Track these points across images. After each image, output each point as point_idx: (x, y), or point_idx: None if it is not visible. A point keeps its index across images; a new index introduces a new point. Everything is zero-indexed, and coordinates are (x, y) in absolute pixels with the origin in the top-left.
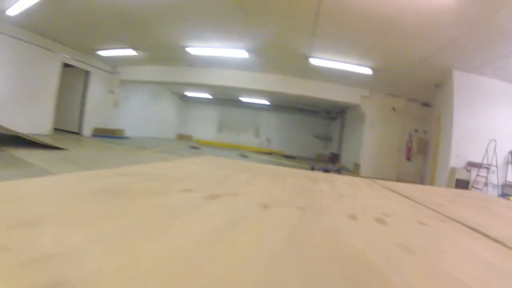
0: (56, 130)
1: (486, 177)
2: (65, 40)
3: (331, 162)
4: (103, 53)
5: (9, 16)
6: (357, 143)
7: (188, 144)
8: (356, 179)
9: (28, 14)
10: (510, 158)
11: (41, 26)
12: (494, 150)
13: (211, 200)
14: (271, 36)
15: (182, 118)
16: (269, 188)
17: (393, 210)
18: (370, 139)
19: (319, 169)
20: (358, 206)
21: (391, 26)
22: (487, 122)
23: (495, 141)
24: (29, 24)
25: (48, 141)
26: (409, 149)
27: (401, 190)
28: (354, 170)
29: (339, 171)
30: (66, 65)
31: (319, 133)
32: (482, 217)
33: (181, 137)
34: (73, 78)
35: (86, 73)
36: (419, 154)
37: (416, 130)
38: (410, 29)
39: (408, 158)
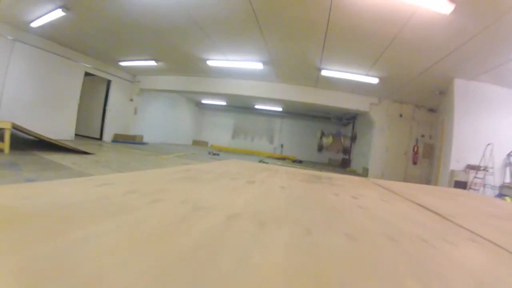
0: (78, 136)
1: (483, 179)
2: (87, 50)
3: (342, 167)
4: (124, 63)
5: (33, 28)
6: (366, 148)
7: (207, 150)
8: (351, 177)
9: (52, 26)
10: (508, 161)
11: (64, 37)
12: (491, 153)
13: (250, 184)
14: (284, 50)
15: (198, 125)
16: (284, 179)
17: (366, 193)
18: (379, 144)
19: (328, 135)
20: (343, 191)
21: (394, 41)
22: (485, 126)
23: (493, 145)
24: (52, 35)
25: (74, 146)
26: (415, 154)
27: (387, 185)
28: (363, 174)
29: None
30: (87, 74)
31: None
32: (440, 202)
33: (197, 143)
34: (94, 86)
35: (107, 82)
36: (425, 158)
37: (423, 135)
38: (411, 43)
39: (415, 162)
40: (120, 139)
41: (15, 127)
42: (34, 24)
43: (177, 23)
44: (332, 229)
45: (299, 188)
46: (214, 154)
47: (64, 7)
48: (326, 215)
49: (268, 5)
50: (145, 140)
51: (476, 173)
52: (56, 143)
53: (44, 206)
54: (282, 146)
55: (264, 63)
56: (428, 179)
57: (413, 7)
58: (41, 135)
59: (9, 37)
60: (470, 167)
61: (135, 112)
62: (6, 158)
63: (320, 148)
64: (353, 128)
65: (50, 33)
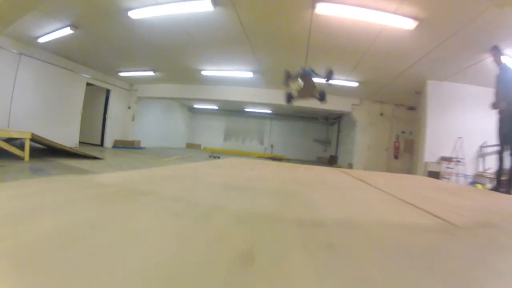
0: (81, 143)
1: (454, 169)
2: (89, 62)
3: (329, 164)
4: (123, 74)
5: (40, 43)
6: (350, 145)
7: (202, 153)
8: (322, 166)
9: (58, 41)
10: (480, 152)
11: (68, 51)
12: (461, 146)
13: (253, 170)
14: (271, 60)
15: (191, 128)
16: (273, 167)
17: (326, 173)
18: (361, 142)
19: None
20: (310, 172)
21: (368, 51)
22: (456, 121)
23: (463, 138)
24: (57, 49)
25: (85, 152)
26: (396, 149)
27: (348, 171)
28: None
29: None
30: (88, 84)
31: (318, 138)
32: (381, 180)
33: (190, 146)
34: (95, 95)
35: (107, 91)
36: (405, 153)
37: (403, 132)
38: (384, 52)
39: (396, 157)
40: (120, 145)
41: (33, 136)
42: (42, 40)
43: (176, 39)
44: (294, 182)
45: (283, 170)
46: (215, 157)
47: (73, 26)
48: (292, 178)
49: (256, 24)
50: (142, 144)
51: (448, 164)
52: (72, 150)
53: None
54: (272, 146)
55: (254, 72)
56: (409, 172)
57: (380, 25)
58: (58, 144)
59: (17, 52)
60: (443, 159)
61: (133, 118)
62: (30, 165)
63: (289, 98)
64: (338, 127)
65: (55, 48)
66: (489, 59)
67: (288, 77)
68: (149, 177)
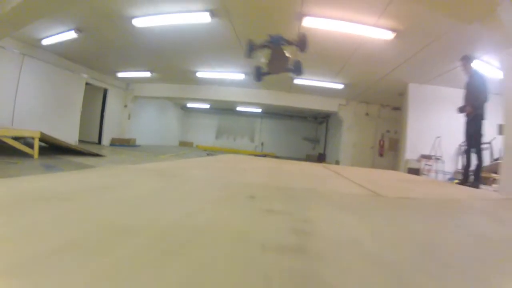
0: (80, 141)
1: (433, 166)
2: (89, 63)
3: (318, 162)
4: (121, 74)
5: (43, 45)
6: (338, 143)
7: (195, 150)
8: (306, 162)
9: (61, 43)
10: (460, 150)
11: (70, 52)
12: (439, 144)
13: (249, 162)
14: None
15: (184, 126)
16: (265, 161)
17: (309, 167)
18: (347, 140)
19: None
20: (295, 165)
21: (352, 56)
22: (436, 121)
23: (441, 137)
24: (59, 51)
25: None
26: (381, 147)
27: (329, 166)
28: None
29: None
30: (87, 83)
31: (307, 136)
32: (355, 173)
33: (183, 143)
34: (93, 94)
35: (104, 90)
36: (390, 151)
37: (388, 131)
38: (366, 58)
39: (381, 155)
40: (117, 143)
41: (42, 136)
42: (45, 42)
43: (174, 43)
44: (280, 170)
45: (272, 163)
46: (208, 155)
47: (77, 29)
48: (279, 168)
49: (249, 33)
50: (137, 142)
51: (428, 161)
52: (78, 148)
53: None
54: (262, 144)
55: (246, 74)
56: (393, 169)
57: (360, 37)
58: (64, 142)
59: (21, 52)
60: (423, 157)
61: (129, 117)
62: (40, 162)
63: (258, 73)
64: (327, 126)
65: (58, 49)
66: (459, 67)
67: (251, 48)
68: (171, 166)
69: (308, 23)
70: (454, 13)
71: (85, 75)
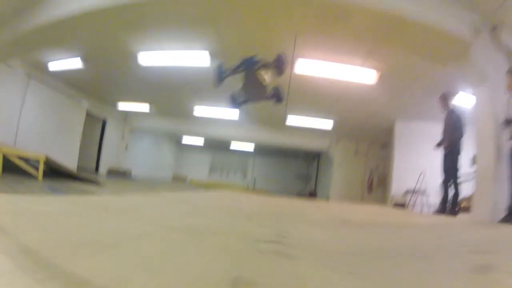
0: (77, 167)
1: (416, 200)
2: (91, 92)
3: (309, 198)
4: (121, 105)
5: (49, 69)
6: (328, 180)
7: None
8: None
9: (66, 70)
10: None
11: (73, 80)
12: (424, 179)
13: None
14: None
15: (178, 160)
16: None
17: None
18: (337, 177)
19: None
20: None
21: (342, 96)
22: (421, 157)
23: (425, 172)
24: (63, 77)
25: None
26: (370, 183)
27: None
28: None
29: None
30: (87, 112)
31: (299, 173)
32: (332, 207)
33: (177, 177)
34: (92, 123)
35: (103, 120)
36: (379, 187)
37: (377, 167)
38: (353, 100)
39: (370, 191)
40: (114, 173)
41: (47, 159)
42: (52, 67)
43: (175, 81)
44: (266, 207)
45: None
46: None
47: (83, 58)
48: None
49: None
50: (133, 173)
51: (412, 195)
52: (81, 176)
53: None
54: (255, 180)
55: (241, 111)
56: (382, 204)
57: (346, 82)
58: (68, 168)
59: (26, 74)
60: (408, 191)
61: (126, 148)
62: (45, 184)
63: (234, 102)
64: (318, 164)
65: (62, 75)
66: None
67: (221, 73)
68: (180, 198)
69: (301, 66)
70: (430, 57)
71: (86, 104)
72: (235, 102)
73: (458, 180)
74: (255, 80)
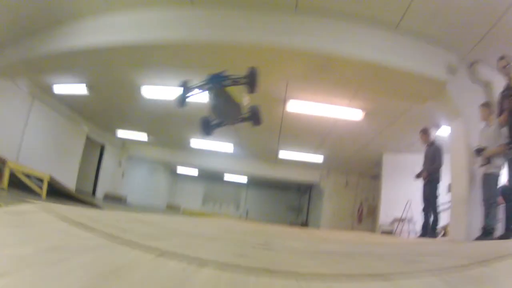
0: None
1: (403, 227)
2: (92, 118)
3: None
4: (120, 133)
5: (53, 91)
6: (319, 211)
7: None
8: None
9: (69, 94)
10: None
11: (76, 104)
12: (410, 207)
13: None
14: (251, 139)
15: (172, 190)
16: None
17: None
18: (328, 208)
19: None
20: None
21: (330, 132)
22: (408, 187)
23: (411, 201)
24: (66, 101)
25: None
26: (360, 214)
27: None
28: None
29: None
30: (87, 137)
31: (291, 205)
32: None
33: (171, 206)
34: (91, 148)
35: (102, 146)
36: (369, 217)
37: (367, 198)
38: (343, 133)
39: (360, 221)
40: (110, 198)
41: (51, 179)
42: (56, 90)
43: (174, 113)
44: (258, 228)
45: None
46: None
47: (88, 85)
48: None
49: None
50: (128, 199)
51: (399, 223)
52: (82, 198)
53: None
54: (247, 211)
55: (235, 144)
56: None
57: (334, 119)
58: (70, 190)
59: (31, 94)
60: (395, 220)
61: (123, 175)
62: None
63: (207, 126)
64: (309, 196)
65: (65, 99)
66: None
67: (186, 92)
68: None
69: (291, 107)
70: (409, 98)
71: (86, 128)
72: (207, 126)
73: (437, 207)
74: (226, 98)
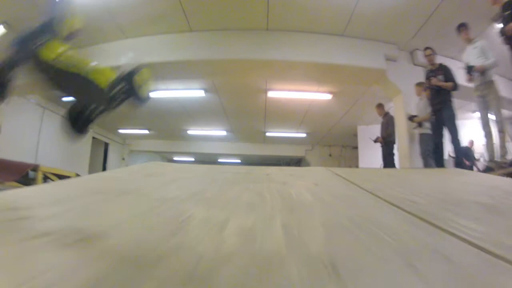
0: None
1: None
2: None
3: None
4: (121, 131)
5: (62, 100)
6: None
7: None
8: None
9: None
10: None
11: None
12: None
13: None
14: (240, 123)
15: None
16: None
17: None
18: None
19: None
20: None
21: (308, 110)
22: (378, 153)
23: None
24: None
25: None
26: None
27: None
28: None
29: None
30: (93, 137)
31: None
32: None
33: None
34: (96, 147)
35: (105, 144)
36: None
37: (350, 166)
38: (319, 112)
39: None
40: None
41: (76, 176)
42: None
43: (172, 109)
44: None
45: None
46: None
47: None
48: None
49: (231, 103)
50: None
51: None
52: None
53: None
54: None
55: (227, 131)
56: None
57: (310, 99)
58: None
59: (41, 106)
60: None
61: None
62: None
63: (74, 121)
64: None
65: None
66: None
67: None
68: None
69: (271, 94)
70: (358, 83)
71: (91, 130)
72: (75, 123)
73: (394, 164)
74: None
